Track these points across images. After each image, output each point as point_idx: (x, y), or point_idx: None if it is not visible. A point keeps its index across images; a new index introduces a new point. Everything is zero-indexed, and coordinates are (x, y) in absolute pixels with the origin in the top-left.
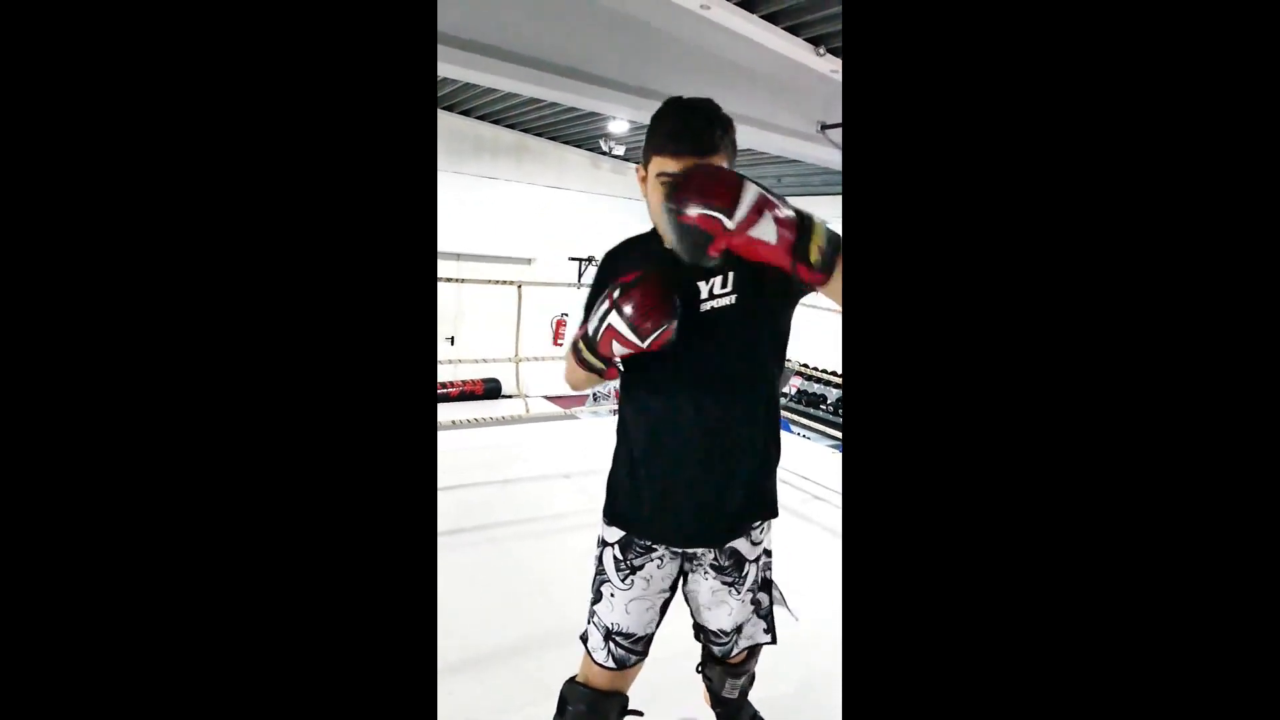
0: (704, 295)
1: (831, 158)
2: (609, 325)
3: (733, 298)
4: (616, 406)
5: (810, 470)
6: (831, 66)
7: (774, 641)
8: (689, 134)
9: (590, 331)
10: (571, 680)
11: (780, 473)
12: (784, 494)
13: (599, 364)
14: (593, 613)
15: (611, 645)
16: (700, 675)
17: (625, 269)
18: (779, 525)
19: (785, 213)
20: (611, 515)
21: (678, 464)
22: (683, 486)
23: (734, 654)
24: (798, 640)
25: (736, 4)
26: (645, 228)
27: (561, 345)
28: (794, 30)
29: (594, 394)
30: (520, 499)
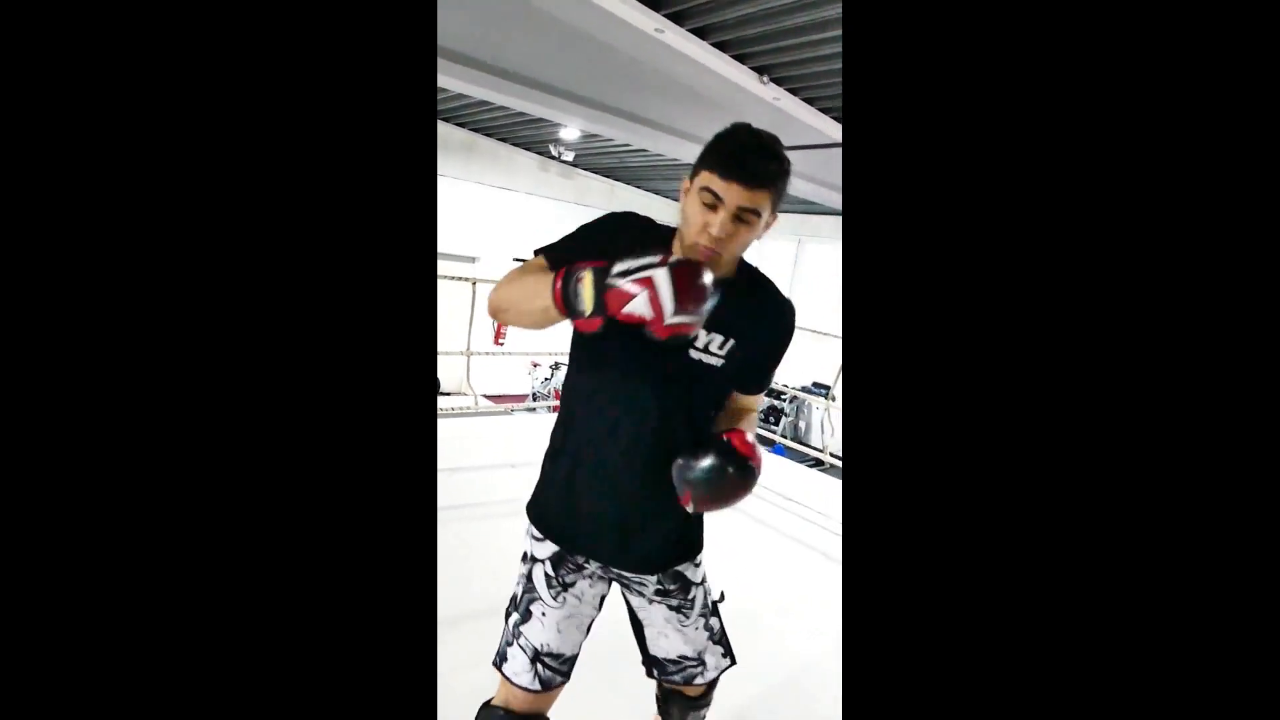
0: (700, 344)
1: None
2: (650, 279)
3: (720, 363)
4: (551, 408)
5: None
6: (774, 94)
7: (734, 663)
8: (743, 161)
9: (616, 271)
10: (488, 705)
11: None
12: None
13: (589, 304)
14: (518, 633)
15: (539, 667)
16: (659, 717)
17: (644, 251)
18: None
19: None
20: (543, 528)
21: (614, 484)
22: (615, 506)
23: (696, 682)
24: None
25: (689, 30)
26: None
27: (503, 344)
28: (740, 59)
29: (533, 394)
30: (470, 486)
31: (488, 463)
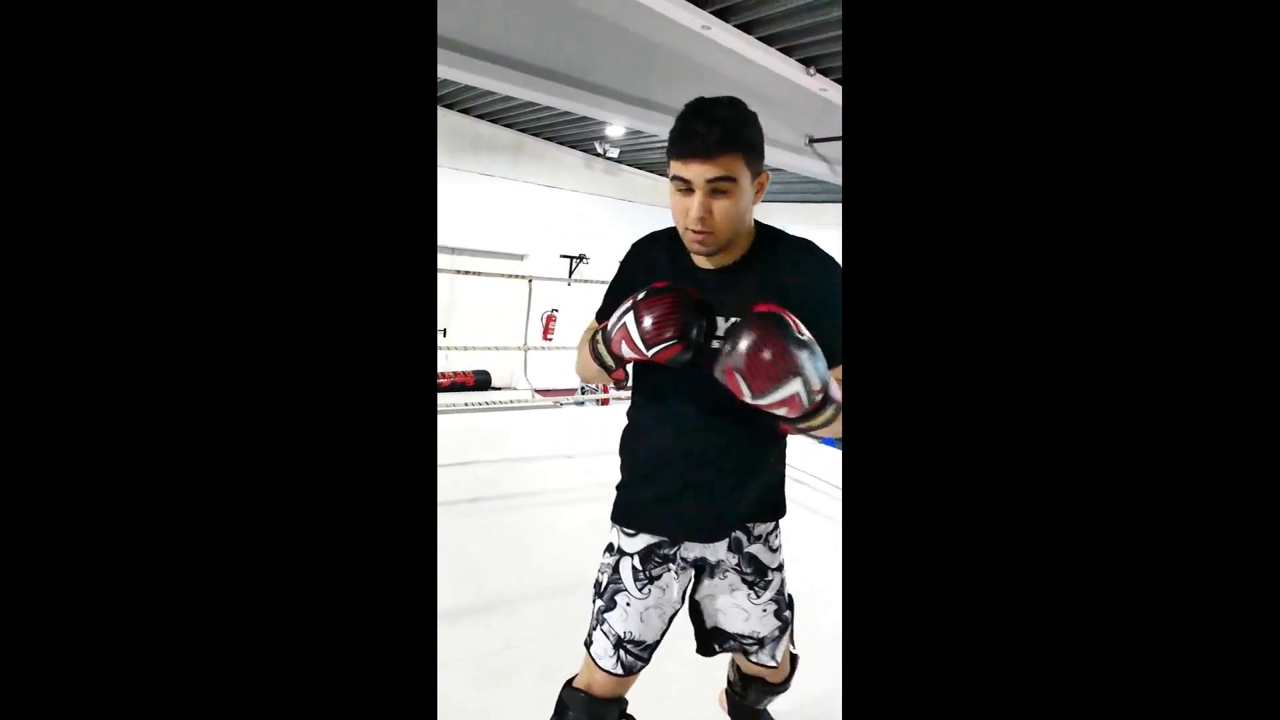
0: (720, 331)
1: (818, 169)
2: (623, 325)
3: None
4: (599, 400)
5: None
6: (820, 85)
7: (793, 652)
8: (690, 133)
9: (610, 327)
10: (570, 685)
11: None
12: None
13: (609, 361)
14: (602, 619)
15: (621, 653)
16: (729, 692)
17: (650, 277)
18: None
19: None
20: (625, 519)
21: (683, 466)
22: (690, 487)
23: (751, 653)
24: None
25: (735, 26)
26: (633, 227)
27: (551, 340)
28: (787, 51)
29: (580, 388)
30: (524, 475)
31: (546, 454)
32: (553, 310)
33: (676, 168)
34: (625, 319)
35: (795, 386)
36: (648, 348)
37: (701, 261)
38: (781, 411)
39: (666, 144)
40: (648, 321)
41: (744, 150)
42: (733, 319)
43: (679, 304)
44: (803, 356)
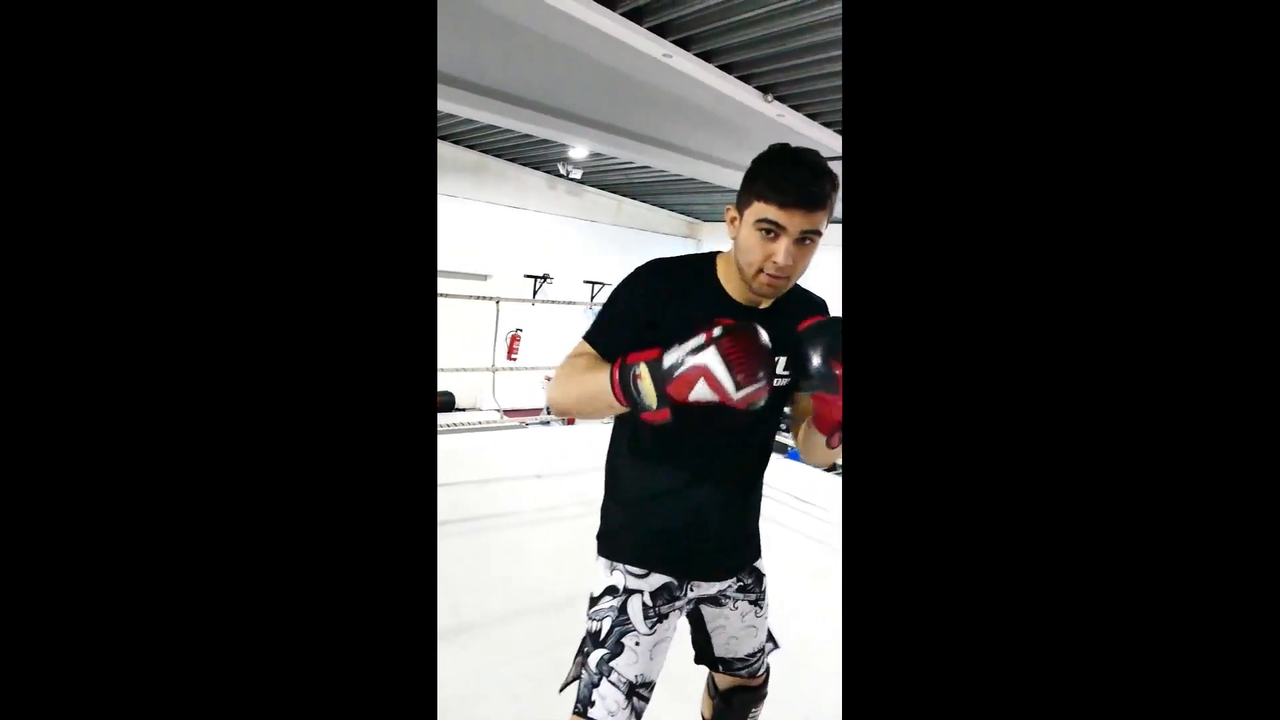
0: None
1: None
2: (702, 365)
3: (784, 382)
4: (566, 420)
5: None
6: (777, 111)
7: (776, 646)
8: (798, 184)
9: (668, 364)
10: None
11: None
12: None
13: (651, 401)
14: (608, 670)
15: (635, 700)
16: (715, 705)
17: (685, 307)
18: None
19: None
20: (634, 559)
21: (696, 505)
22: (707, 525)
23: (758, 673)
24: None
25: (696, 55)
26: (596, 247)
27: (515, 359)
28: (745, 79)
29: (547, 407)
30: (493, 496)
31: (515, 474)
32: (517, 330)
33: (770, 212)
34: (702, 359)
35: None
36: (739, 389)
37: (744, 299)
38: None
39: (748, 180)
40: (739, 359)
41: (830, 209)
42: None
43: (761, 343)
44: None
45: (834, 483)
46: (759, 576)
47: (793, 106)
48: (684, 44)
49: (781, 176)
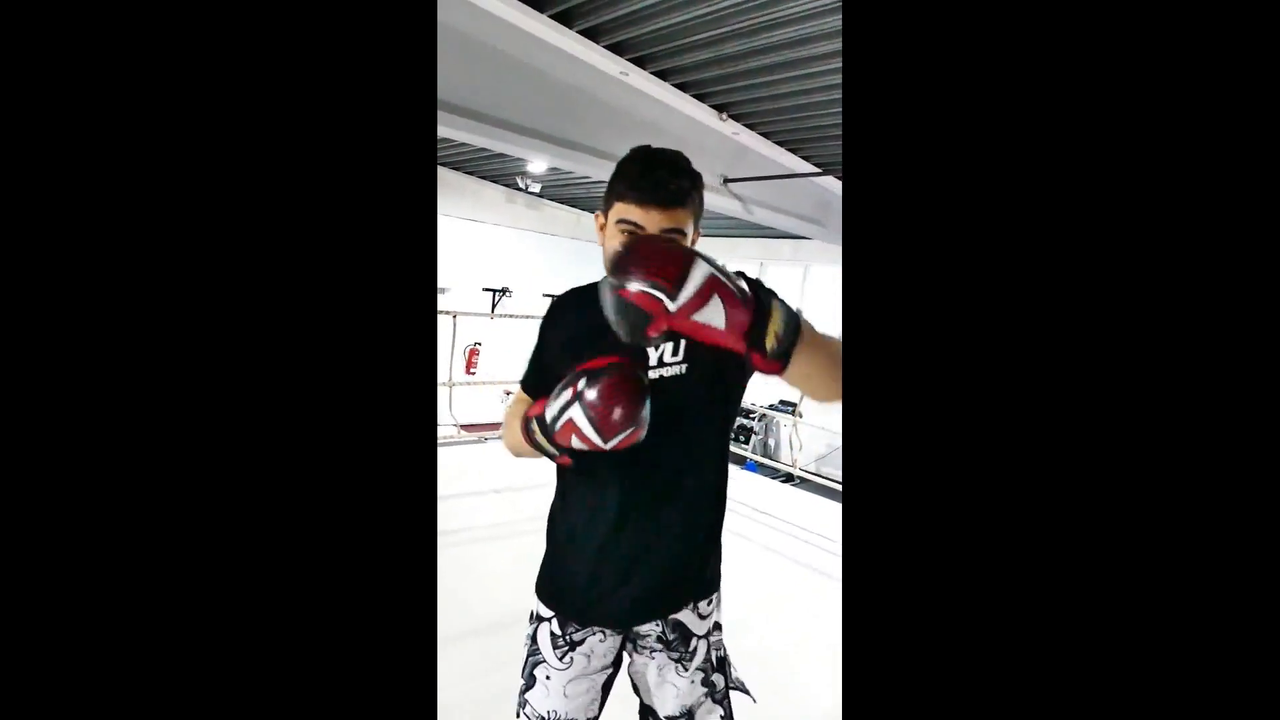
0: (652, 362)
1: (732, 206)
2: (570, 420)
3: (683, 367)
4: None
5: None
6: (733, 129)
7: (753, 698)
8: (655, 182)
9: (549, 418)
10: None
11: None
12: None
13: (551, 450)
14: (524, 702)
15: None
16: None
17: (581, 341)
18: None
19: (737, 295)
20: (547, 595)
21: (618, 540)
22: (624, 563)
23: None
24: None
25: (652, 73)
26: (556, 260)
27: (474, 373)
28: (700, 98)
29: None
30: (451, 511)
31: (472, 489)
32: (476, 344)
33: (629, 212)
34: (570, 414)
35: (705, 269)
36: (606, 441)
37: None
38: (717, 312)
39: (610, 184)
40: (599, 414)
41: (694, 208)
42: (661, 347)
43: (623, 385)
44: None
45: (793, 495)
46: (686, 635)
47: (747, 125)
48: (640, 63)
49: (639, 175)
